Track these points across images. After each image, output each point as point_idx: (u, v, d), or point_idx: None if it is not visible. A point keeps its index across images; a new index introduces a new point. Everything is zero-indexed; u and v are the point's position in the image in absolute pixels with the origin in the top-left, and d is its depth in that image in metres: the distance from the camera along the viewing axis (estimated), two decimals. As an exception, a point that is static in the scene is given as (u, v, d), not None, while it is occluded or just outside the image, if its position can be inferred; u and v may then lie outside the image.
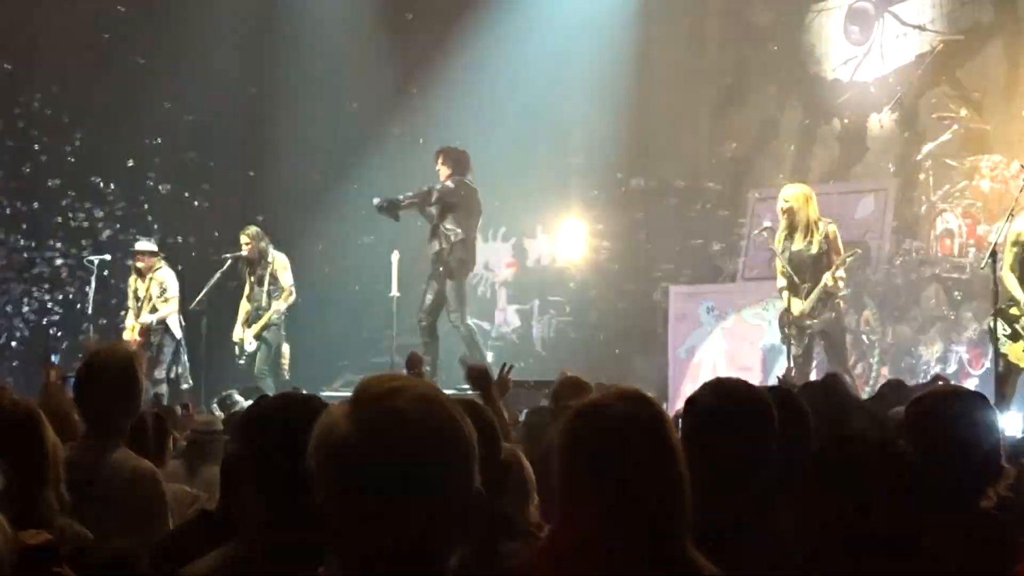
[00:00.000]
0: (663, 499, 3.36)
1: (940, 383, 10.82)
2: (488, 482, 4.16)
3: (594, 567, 3.35)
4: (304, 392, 6.25)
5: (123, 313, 17.75)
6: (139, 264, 17.19)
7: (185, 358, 17.05)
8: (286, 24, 20.68)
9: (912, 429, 4.77)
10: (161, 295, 17.02)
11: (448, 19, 20.53)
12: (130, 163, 20.33)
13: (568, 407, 6.94)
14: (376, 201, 16.98)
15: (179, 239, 19.92)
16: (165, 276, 17.17)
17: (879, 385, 11.99)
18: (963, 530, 4.37)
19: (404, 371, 12.16)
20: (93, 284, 17.50)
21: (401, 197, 16.88)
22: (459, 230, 16.68)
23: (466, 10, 20.45)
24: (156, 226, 19.87)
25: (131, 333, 17.01)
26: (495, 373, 8.48)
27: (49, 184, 19.99)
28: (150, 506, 5.65)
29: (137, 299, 17.15)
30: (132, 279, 17.34)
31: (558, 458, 3.49)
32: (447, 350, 17.16)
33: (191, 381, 16.93)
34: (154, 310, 16.97)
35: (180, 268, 17.67)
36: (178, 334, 17.05)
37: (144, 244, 17.40)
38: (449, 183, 16.66)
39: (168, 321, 16.99)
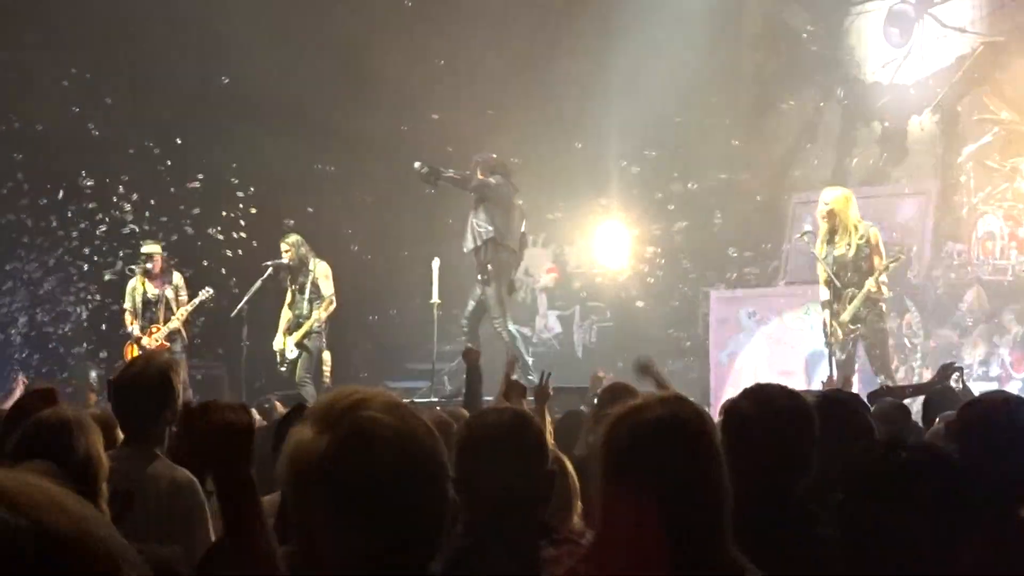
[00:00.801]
0: (705, 503, 3.36)
1: (954, 371, 10.83)
2: (535, 492, 4.19)
3: (637, 572, 3.35)
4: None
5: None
6: (149, 266, 17.05)
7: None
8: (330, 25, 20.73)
9: (962, 434, 4.75)
10: (177, 299, 17.02)
11: (485, 24, 20.54)
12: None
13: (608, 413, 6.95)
14: (417, 164, 16.98)
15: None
16: (178, 278, 17.19)
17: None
18: (1003, 538, 4.36)
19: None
20: (136, 292, 17.47)
21: (443, 169, 16.91)
22: (490, 227, 16.70)
23: (503, 15, 20.47)
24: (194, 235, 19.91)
25: (150, 339, 16.93)
26: (535, 378, 8.62)
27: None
28: (190, 516, 5.66)
29: (147, 304, 17.04)
30: (138, 283, 17.14)
31: (600, 462, 3.48)
32: (489, 357, 17.19)
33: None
34: (178, 314, 16.98)
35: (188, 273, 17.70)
36: (182, 343, 17.07)
37: (153, 247, 17.31)
38: (492, 178, 16.70)
39: (181, 326, 17.05)
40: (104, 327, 19.72)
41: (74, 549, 1.63)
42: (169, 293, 17.02)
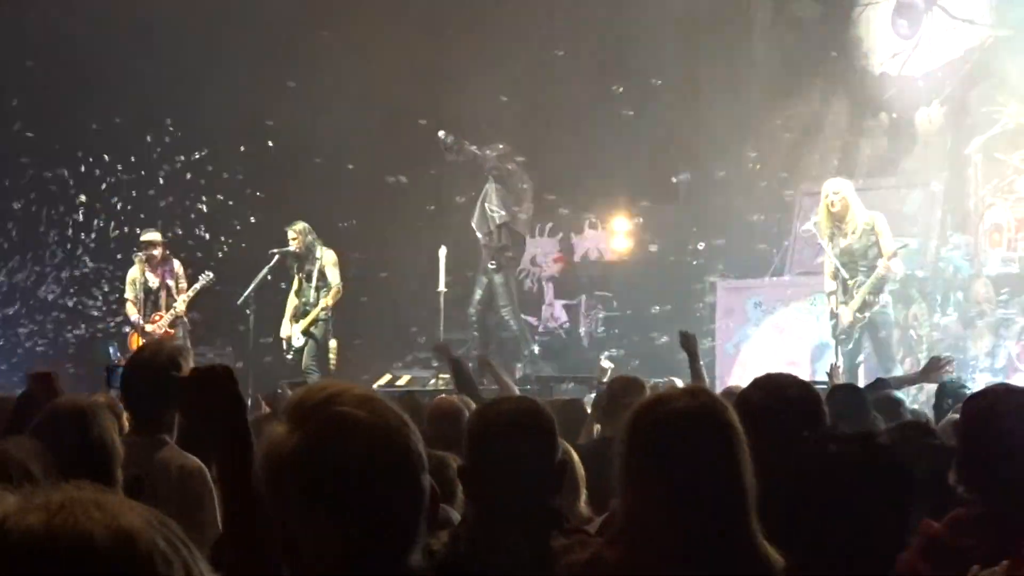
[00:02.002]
0: (730, 492, 3.37)
1: (943, 362, 10.87)
2: (547, 481, 4.20)
3: (662, 560, 3.36)
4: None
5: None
6: (154, 253, 17.03)
7: None
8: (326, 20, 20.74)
9: (965, 425, 4.75)
10: (177, 286, 17.02)
11: (487, 15, 20.52)
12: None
13: (628, 404, 7.01)
14: (442, 133, 16.99)
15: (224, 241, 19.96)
16: (178, 265, 17.19)
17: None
18: (1006, 531, 4.37)
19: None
20: (137, 280, 17.46)
21: (467, 143, 16.94)
22: (503, 212, 16.74)
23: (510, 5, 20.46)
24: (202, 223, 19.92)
25: (155, 326, 16.92)
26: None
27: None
28: (199, 503, 5.68)
29: (148, 291, 17.03)
30: (138, 271, 17.12)
31: (623, 453, 3.49)
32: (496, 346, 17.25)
33: None
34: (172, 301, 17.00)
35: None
36: (184, 328, 17.08)
37: (154, 234, 17.29)
38: (510, 165, 16.72)
39: (184, 313, 17.07)
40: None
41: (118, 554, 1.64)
42: (170, 281, 17.01)
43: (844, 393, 7.92)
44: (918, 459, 4.45)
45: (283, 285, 17.54)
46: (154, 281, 17.00)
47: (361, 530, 2.41)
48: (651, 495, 3.40)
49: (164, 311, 16.92)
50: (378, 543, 2.43)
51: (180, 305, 16.92)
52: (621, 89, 20.33)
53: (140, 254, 17.10)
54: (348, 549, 2.41)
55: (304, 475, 2.41)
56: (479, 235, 17.14)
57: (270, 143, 20.55)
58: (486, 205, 16.95)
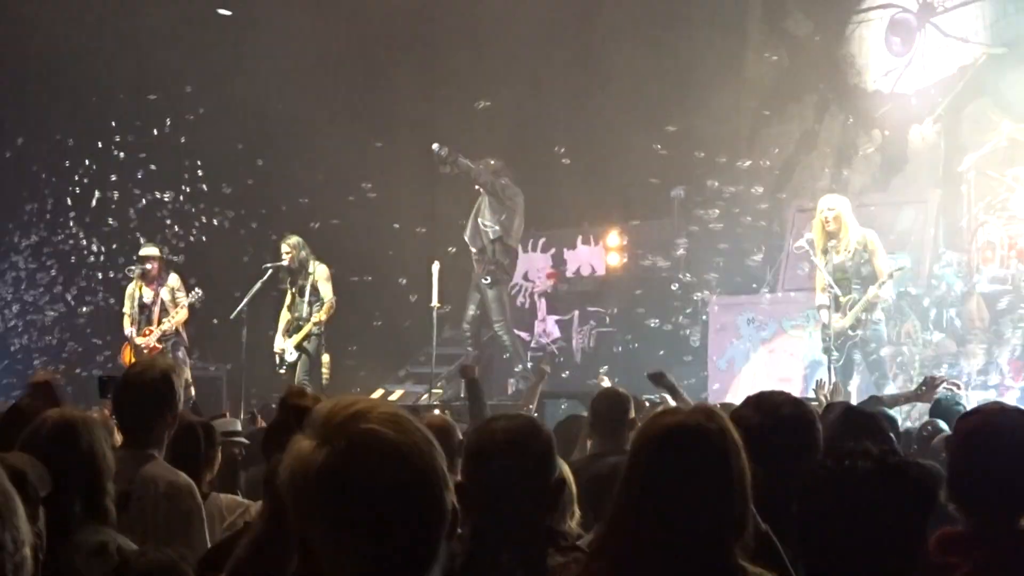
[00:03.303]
0: (728, 510, 3.37)
1: (938, 381, 10.88)
2: (544, 499, 4.20)
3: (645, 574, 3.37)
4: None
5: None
6: (148, 267, 17.09)
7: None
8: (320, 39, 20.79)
9: (958, 445, 4.76)
10: (174, 300, 17.00)
11: (484, 29, 20.55)
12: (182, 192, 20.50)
13: (614, 419, 7.00)
14: (436, 146, 17.00)
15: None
16: (176, 281, 17.16)
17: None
18: (1001, 549, 4.37)
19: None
20: (133, 295, 17.43)
21: (461, 156, 16.95)
22: (497, 227, 16.74)
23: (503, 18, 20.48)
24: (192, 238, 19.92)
25: (145, 341, 16.91)
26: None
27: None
28: (186, 520, 5.68)
29: (143, 306, 17.04)
30: (135, 286, 17.17)
31: (626, 468, 3.50)
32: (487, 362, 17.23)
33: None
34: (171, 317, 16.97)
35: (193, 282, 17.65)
36: (182, 345, 17.04)
37: (151, 249, 17.29)
38: (503, 179, 16.72)
39: (180, 328, 17.02)
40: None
41: None
42: (165, 295, 16.99)
43: (838, 411, 7.87)
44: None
45: (273, 293, 17.52)
46: (148, 296, 17.00)
47: (383, 548, 2.41)
48: (641, 509, 3.41)
49: (156, 326, 16.91)
50: (398, 561, 2.43)
51: (167, 323, 16.90)
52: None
53: (136, 268, 17.12)
54: (368, 566, 2.41)
55: (329, 492, 2.40)
56: (472, 250, 17.13)
57: (259, 161, 20.58)
58: (479, 220, 16.95)
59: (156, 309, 16.95)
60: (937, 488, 3.80)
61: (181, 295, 17.05)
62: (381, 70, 20.84)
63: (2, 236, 20.54)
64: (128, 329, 17.09)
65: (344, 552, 2.42)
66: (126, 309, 17.21)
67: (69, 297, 20.58)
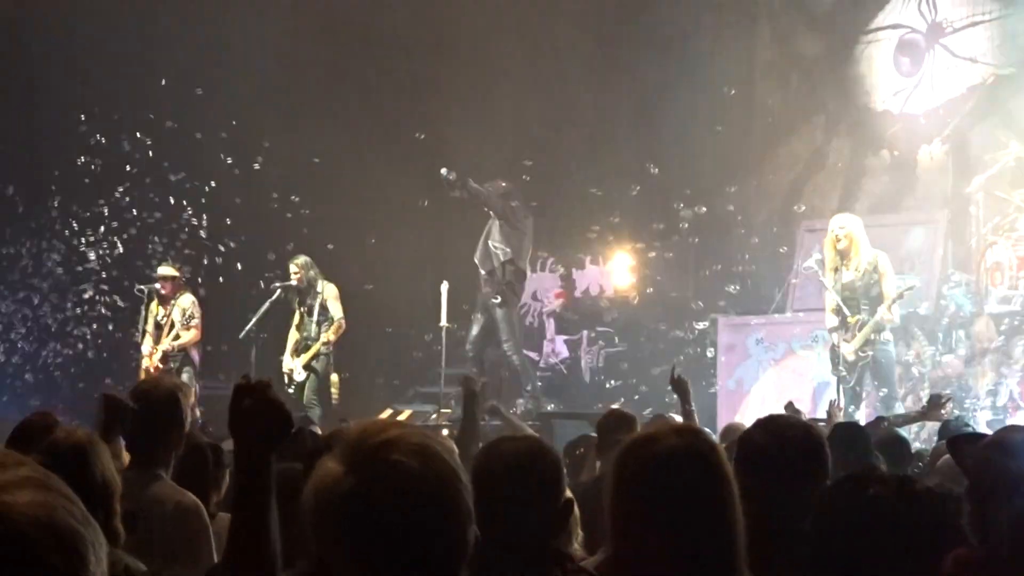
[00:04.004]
0: (716, 531, 3.37)
1: (944, 400, 10.87)
2: (551, 522, 4.19)
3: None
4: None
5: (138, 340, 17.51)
6: (162, 290, 17.15)
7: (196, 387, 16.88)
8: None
9: (974, 467, 4.74)
10: (184, 321, 16.98)
11: (492, 46, 20.57)
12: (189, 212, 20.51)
13: (618, 440, 6.97)
14: (444, 171, 16.98)
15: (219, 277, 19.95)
16: (189, 302, 17.12)
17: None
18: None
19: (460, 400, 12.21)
20: (144, 312, 17.45)
21: (471, 180, 16.93)
22: (508, 249, 16.72)
23: (514, 37, 20.52)
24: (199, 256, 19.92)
25: (150, 360, 16.92)
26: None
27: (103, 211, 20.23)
28: (194, 540, 5.67)
29: (158, 326, 17.07)
30: (152, 305, 17.19)
31: (611, 489, 3.49)
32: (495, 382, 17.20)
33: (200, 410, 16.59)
34: (176, 337, 16.95)
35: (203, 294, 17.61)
36: (196, 362, 17.01)
37: (167, 269, 17.26)
38: (514, 201, 16.70)
39: (189, 349, 16.99)
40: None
41: (33, 531, 1.64)
42: (176, 315, 16.98)
43: (846, 432, 7.87)
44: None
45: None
46: (161, 315, 17.02)
47: None
48: (638, 534, 3.40)
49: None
50: None
51: (166, 343, 16.88)
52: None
53: (155, 287, 17.18)
54: None
55: (352, 519, 2.42)
56: (482, 271, 17.10)
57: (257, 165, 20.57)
58: (490, 242, 16.94)
59: (165, 329, 16.95)
60: (953, 514, 3.80)
61: (195, 314, 17.02)
62: (392, 91, 20.88)
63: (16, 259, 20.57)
64: (144, 347, 17.09)
65: (356, 574, 2.43)
66: (142, 326, 17.22)
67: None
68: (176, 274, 17.20)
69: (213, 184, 20.33)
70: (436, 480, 2.45)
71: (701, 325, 19.53)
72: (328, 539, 2.46)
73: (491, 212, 17.28)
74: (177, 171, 20.26)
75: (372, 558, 2.42)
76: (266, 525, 3.22)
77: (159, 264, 17.71)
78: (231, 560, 3.32)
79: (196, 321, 16.99)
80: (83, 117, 19.86)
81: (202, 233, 20.36)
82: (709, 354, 19.02)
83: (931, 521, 3.59)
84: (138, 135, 20.03)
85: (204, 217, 20.41)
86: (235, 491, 3.31)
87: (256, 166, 20.10)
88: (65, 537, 1.68)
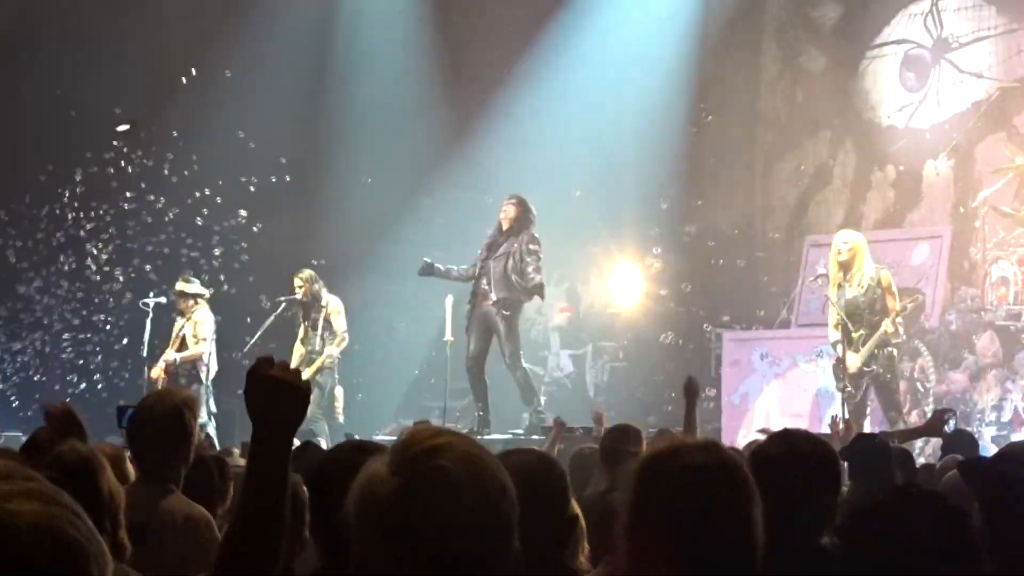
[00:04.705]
0: (740, 548, 3.35)
1: (947, 415, 10.86)
2: (558, 535, 4.18)
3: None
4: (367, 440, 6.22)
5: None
6: (172, 299, 17.19)
7: (211, 403, 16.89)
8: (338, 73, 20.87)
9: (986, 486, 4.72)
10: (194, 336, 16.98)
11: (499, 69, 20.58)
12: (199, 220, 20.55)
13: (630, 453, 6.95)
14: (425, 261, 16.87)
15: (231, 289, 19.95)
16: (201, 317, 17.05)
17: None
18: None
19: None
20: (148, 327, 17.46)
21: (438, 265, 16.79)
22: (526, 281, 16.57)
23: (517, 59, 20.52)
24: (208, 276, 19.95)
25: (157, 371, 16.91)
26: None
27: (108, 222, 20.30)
28: (204, 553, 5.65)
29: (179, 338, 17.12)
30: (178, 318, 17.27)
31: (628, 503, 3.47)
32: (501, 391, 17.19)
33: (213, 427, 16.49)
34: (182, 350, 16.96)
35: (219, 318, 17.54)
36: (203, 377, 16.93)
37: (180, 285, 17.26)
38: (530, 245, 16.50)
39: (197, 363, 16.94)
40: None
41: (36, 542, 1.64)
42: (187, 329, 16.99)
43: (866, 445, 7.81)
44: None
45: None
46: (178, 327, 17.05)
47: None
48: (659, 549, 3.38)
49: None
50: None
51: (169, 354, 16.87)
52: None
53: (162, 301, 17.29)
54: None
55: (394, 522, 2.43)
56: (492, 294, 16.82)
57: (287, 177, 20.66)
58: (513, 277, 16.73)
59: (176, 342, 16.98)
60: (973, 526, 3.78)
61: (204, 330, 16.98)
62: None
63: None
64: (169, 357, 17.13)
65: None
66: (148, 340, 17.31)
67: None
68: (186, 289, 17.14)
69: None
70: (480, 489, 2.46)
71: (705, 337, 19.52)
72: (368, 538, 2.47)
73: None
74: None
75: (409, 561, 2.42)
76: (280, 517, 3.12)
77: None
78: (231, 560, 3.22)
79: (202, 336, 16.94)
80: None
81: (216, 251, 20.42)
82: (712, 368, 19.01)
83: (960, 536, 3.58)
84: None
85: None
86: (248, 481, 3.22)
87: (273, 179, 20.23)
88: (68, 549, 1.69)
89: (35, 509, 1.69)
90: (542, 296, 17.03)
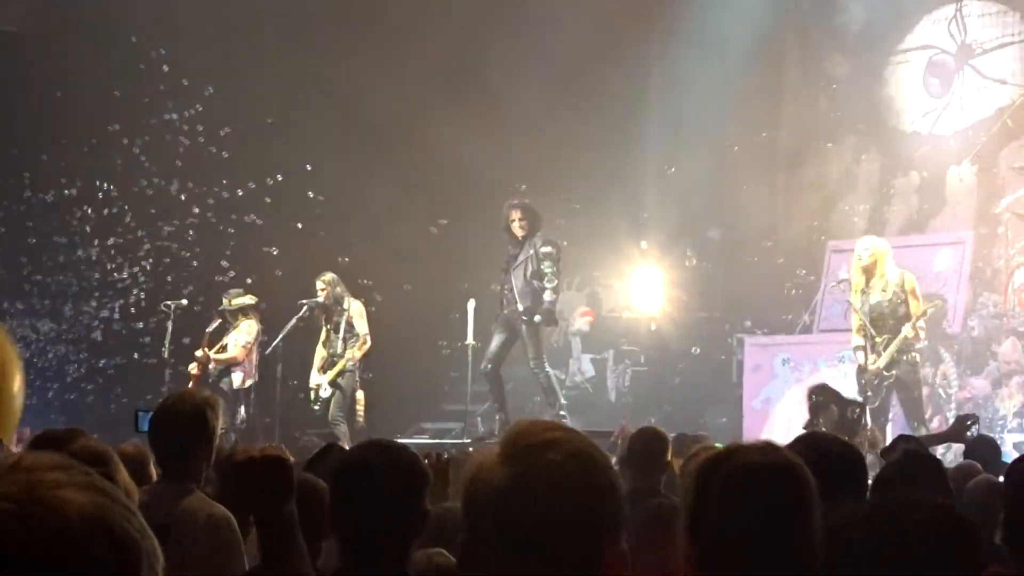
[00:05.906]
0: (797, 547, 3.34)
1: (970, 421, 10.83)
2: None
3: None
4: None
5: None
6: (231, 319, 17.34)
7: (241, 409, 17.01)
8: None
9: (1011, 488, 4.70)
10: (235, 344, 17.06)
11: (526, 68, 20.57)
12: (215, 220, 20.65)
13: (651, 453, 6.91)
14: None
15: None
16: (244, 327, 17.18)
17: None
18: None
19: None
20: (170, 329, 17.51)
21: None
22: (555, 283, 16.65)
23: (543, 59, 20.52)
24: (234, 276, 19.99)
25: (194, 367, 17.00)
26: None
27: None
28: (226, 552, 5.66)
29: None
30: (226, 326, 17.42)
31: (688, 506, 3.45)
32: (521, 396, 17.19)
33: (232, 436, 16.54)
34: (221, 351, 17.04)
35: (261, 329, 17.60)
36: (227, 385, 16.96)
37: (224, 304, 17.39)
38: (547, 248, 16.53)
39: (230, 367, 17.01)
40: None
41: (89, 533, 1.64)
42: (231, 336, 17.11)
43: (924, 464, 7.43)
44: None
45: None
46: (225, 336, 17.18)
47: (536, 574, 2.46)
48: (720, 550, 3.36)
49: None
50: None
51: (200, 352, 16.94)
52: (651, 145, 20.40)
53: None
54: None
55: (501, 511, 2.46)
56: (519, 305, 16.73)
57: (311, 194, 20.71)
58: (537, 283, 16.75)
59: (218, 346, 17.09)
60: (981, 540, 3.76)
61: (239, 340, 17.07)
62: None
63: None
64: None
65: (501, 566, 2.46)
66: (168, 343, 17.41)
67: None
68: (228, 306, 17.25)
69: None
70: (589, 487, 2.47)
71: (727, 343, 19.52)
72: (477, 526, 2.51)
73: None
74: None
75: (515, 550, 2.44)
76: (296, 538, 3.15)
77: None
78: None
79: (240, 343, 17.03)
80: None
81: (224, 263, 20.48)
82: (734, 373, 19.00)
83: (968, 548, 3.56)
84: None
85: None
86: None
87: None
88: (120, 540, 1.69)
89: (90, 500, 1.68)
90: (555, 323, 17.18)
